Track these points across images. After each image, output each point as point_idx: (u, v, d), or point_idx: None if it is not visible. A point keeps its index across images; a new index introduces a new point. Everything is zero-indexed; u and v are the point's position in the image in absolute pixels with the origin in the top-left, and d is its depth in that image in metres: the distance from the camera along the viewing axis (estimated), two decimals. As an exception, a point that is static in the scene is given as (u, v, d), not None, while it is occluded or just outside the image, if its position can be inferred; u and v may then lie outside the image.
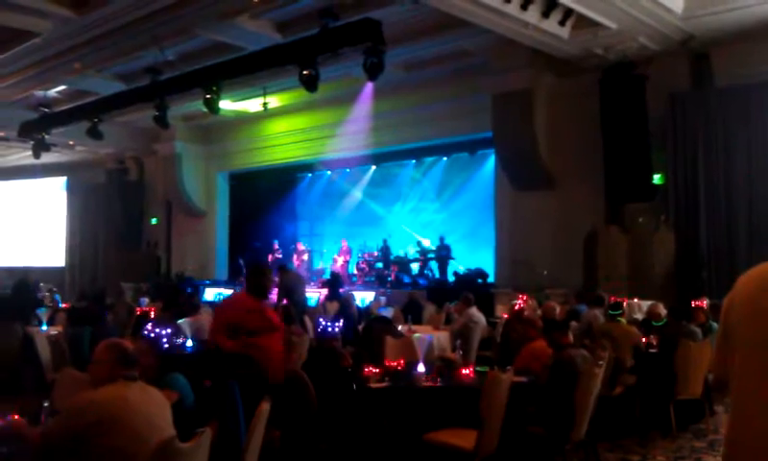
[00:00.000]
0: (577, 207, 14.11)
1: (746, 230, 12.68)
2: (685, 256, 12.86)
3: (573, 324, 9.04)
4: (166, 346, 7.74)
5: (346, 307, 11.52)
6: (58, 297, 15.72)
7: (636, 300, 11.57)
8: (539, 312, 9.81)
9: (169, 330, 8.44)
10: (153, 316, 11.14)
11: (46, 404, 3.92)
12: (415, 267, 19.20)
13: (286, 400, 5.12)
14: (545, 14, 11.56)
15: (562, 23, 12.02)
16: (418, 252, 19.32)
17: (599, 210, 13.92)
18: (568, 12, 11.80)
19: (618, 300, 9.21)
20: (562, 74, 14.42)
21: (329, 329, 7.15)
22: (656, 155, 13.29)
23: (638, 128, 13.11)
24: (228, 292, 17.61)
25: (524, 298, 11.81)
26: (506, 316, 10.69)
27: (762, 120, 12.54)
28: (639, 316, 10.31)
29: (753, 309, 1.92)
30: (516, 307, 10.92)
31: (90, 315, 9.15)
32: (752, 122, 12.61)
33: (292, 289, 12.92)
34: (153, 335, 7.99)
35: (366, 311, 12.71)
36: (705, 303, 9.48)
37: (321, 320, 9.51)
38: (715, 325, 8.71)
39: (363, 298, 15.74)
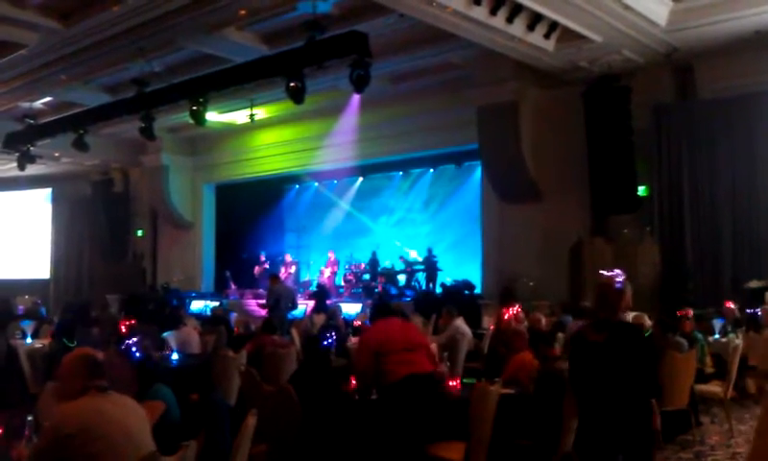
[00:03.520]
0: (563, 219, 14.17)
1: (730, 241, 12.79)
2: (670, 267, 12.94)
3: (560, 335, 9.07)
4: (138, 355, 7.50)
5: (332, 319, 11.52)
6: (43, 310, 15.57)
7: (621, 311, 11.59)
8: (525, 323, 9.81)
9: (135, 339, 8.25)
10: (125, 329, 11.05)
11: (30, 418, 3.88)
12: (402, 278, 19.19)
13: (273, 414, 5.10)
14: (531, 28, 11.66)
15: (547, 36, 12.11)
16: (403, 263, 19.34)
17: (585, 222, 13.99)
18: (553, 26, 11.89)
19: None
20: (547, 86, 14.52)
21: (324, 344, 7.12)
22: (640, 166, 13.40)
23: (623, 140, 13.21)
24: (215, 304, 17.52)
25: (517, 308, 11.78)
26: (492, 327, 10.70)
27: (745, 131, 12.67)
28: (626, 327, 10.32)
29: None
30: (506, 318, 10.93)
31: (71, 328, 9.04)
32: (735, 133, 12.74)
33: (280, 298, 13.11)
34: (123, 347, 7.85)
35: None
36: (690, 312, 9.52)
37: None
38: (700, 335, 8.76)
39: (347, 311, 15.66)
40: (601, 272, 4.51)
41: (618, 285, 4.34)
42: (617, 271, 4.45)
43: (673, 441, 7.41)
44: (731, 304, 11.09)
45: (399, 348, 5.64)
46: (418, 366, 5.60)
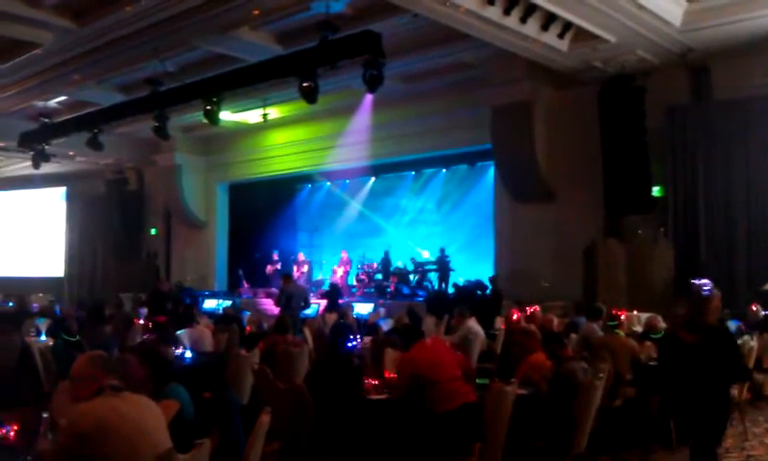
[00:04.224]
0: (576, 220, 14.13)
1: (745, 242, 12.70)
2: (685, 268, 12.85)
3: (573, 336, 9.03)
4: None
5: (343, 318, 11.55)
6: (57, 307, 15.67)
7: (635, 312, 11.56)
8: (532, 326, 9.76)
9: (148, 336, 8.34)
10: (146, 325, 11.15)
11: (45, 416, 3.90)
12: (414, 278, 19.20)
13: (286, 413, 5.11)
14: (544, 27, 11.62)
15: (561, 36, 12.07)
16: (413, 264, 19.33)
17: (598, 222, 13.94)
18: (567, 26, 11.85)
19: (618, 312, 9.19)
20: (561, 86, 14.48)
21: (349, 345, 7.09)
22: (654, 167, 13.33)
23: (637, 140, 13.15)
24: (228, 303, 17.59)
25: (535, 308, 11.75)
26: (503, 326, 10.70)
27: (761, 133, 12.57)
28: (639, 328, 10.29)
29: None
30: (515, 318, 10.96)
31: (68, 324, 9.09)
32: (751, 134, 12.66)
33: (292, 297, 13.17)
34: (138, 346, 7.89)
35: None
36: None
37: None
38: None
39: (359, 311, 15.71)
40: (692, 281, 5.06)
41: (706, 292, 4.90)
42: (705, 280, 4.99)
43: (687, 443, 7.36)
44: (755, 307, 11.02)
45: (447, 377, 5.54)
46: (465, 396, 5.54)
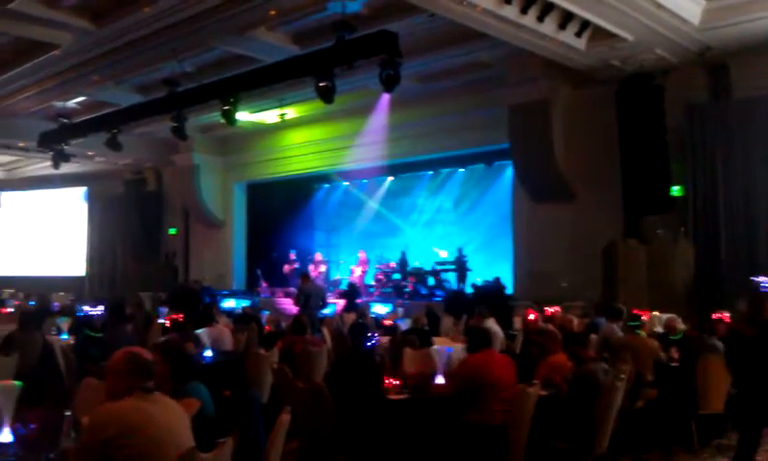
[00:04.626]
0: (595, 219, 14.05)
1: (765, 241, 12.55)
2: (705, 268, 12.76)
3: (593, 337, 8.98)
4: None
5: (361, 318, 11.57)
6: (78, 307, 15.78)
7: (656, 312, 11.47)
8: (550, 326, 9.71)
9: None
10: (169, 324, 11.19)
11: (68, 414, 3.93)
12: (432, 278, 19.15)
13: (306, 412, 5.12)
14: (562, 26, 11.57)
15: (578, 35, 12.02)
16: (434, 264, 19.28)
17: (617, 222, 13.85)
18: (585, 24, 11.79)
19: (638, 312, 9.13)
20: (578, 85, 14.41)
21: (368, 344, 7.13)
22: (674, 166, 13.23)
23: (656, 139, 13.07)
24: (246, 302, 17.65)
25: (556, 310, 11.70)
26: (520, 327, 10.67)
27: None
28: (660, 329, 10.22)
29: None
30: (531, 319, 10.94)
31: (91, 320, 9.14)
32: (771, 133, 12.54)
33: (310, 297, 13.22)
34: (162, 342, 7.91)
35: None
36: (726, 316, 9.35)
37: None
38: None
39: (377, 311, 15.70)
40: (751, 278, 5.57)
41: (765, 289, 5.57)
42: (763, 278, 5.35)
43: (709, 445, 7.31)
44: None
45: (503, 395, 5.45)
46: (503, 415, 5.43)
